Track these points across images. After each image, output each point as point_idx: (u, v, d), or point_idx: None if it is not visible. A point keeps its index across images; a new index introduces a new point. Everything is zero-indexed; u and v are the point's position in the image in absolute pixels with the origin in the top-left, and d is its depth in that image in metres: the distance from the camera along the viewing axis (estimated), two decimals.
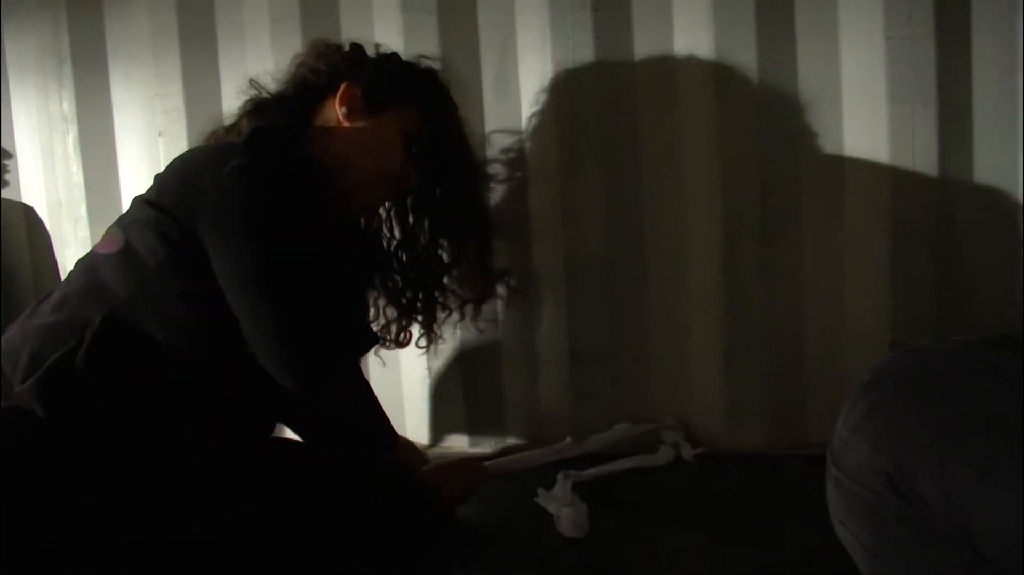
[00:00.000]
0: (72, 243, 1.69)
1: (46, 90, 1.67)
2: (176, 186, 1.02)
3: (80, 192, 1.66)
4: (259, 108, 1.20)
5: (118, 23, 1.61)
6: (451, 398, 1.53)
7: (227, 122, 1.24)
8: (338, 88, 1.17)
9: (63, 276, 1.70)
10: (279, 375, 0.97)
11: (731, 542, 1.09)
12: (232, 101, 1.33)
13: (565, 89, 1.40)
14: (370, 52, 1.28)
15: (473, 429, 1.54)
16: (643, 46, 1.39)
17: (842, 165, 1.34)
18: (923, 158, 1.29)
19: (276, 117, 1.16)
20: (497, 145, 1.46)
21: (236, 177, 0.97)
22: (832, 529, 0.89)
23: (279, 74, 1.26)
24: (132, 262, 0.99)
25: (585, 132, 1.41)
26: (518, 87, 1.44)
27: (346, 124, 1.17)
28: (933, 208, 1.31)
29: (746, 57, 1.34)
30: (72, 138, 1.66)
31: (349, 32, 1.49)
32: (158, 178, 1.07)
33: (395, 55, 1.28)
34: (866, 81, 1.30)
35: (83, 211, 1.67)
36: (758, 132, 1.36)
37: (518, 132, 1.44)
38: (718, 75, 1.35)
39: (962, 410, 0.80)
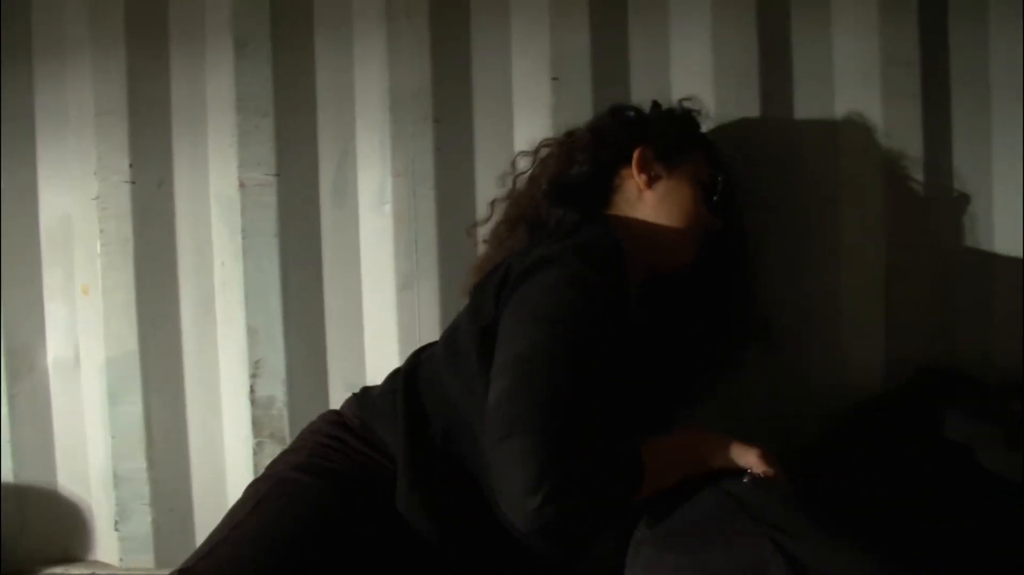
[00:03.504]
0: None
1: None
2: (487, 279, 1.02)
3: None
4: (557, 196, 1.13)
5: None
6: None
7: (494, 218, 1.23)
8: (628, 156, 1.13)
9: None
10: (514, 502, 0.81)
11: None
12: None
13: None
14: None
15: None
16: (484, 158, 1.37)
17: None
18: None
19: (577, 202, 1.11)
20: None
21: (539, 265, 0.94)
22: None
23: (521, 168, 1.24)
24: (460, 368, 0.99)
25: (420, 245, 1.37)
26: (356, 195, 1.39)
27: (648, 190, 1.13)
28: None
29: None
30: None
31: (179, 127, 1.42)
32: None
33: (656, 104, 1.23)
34: None
35: None
36: None
37: (355, 241, 1.40)
38: None
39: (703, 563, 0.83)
